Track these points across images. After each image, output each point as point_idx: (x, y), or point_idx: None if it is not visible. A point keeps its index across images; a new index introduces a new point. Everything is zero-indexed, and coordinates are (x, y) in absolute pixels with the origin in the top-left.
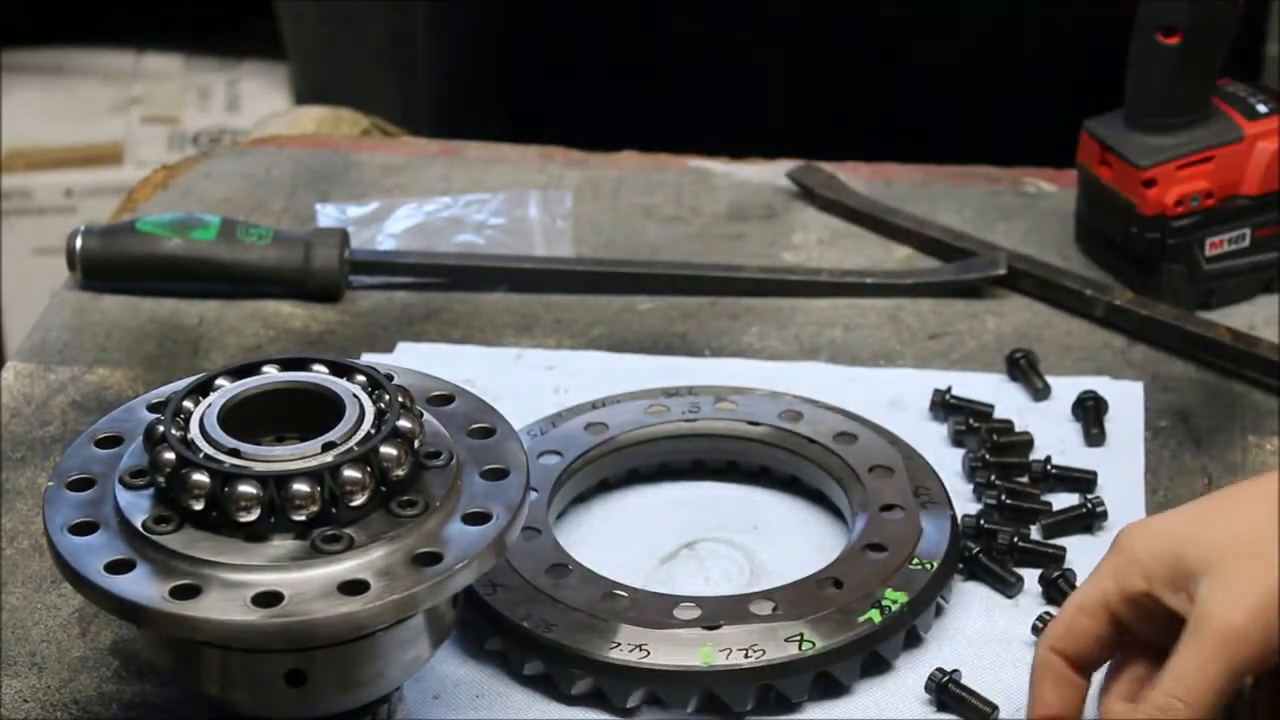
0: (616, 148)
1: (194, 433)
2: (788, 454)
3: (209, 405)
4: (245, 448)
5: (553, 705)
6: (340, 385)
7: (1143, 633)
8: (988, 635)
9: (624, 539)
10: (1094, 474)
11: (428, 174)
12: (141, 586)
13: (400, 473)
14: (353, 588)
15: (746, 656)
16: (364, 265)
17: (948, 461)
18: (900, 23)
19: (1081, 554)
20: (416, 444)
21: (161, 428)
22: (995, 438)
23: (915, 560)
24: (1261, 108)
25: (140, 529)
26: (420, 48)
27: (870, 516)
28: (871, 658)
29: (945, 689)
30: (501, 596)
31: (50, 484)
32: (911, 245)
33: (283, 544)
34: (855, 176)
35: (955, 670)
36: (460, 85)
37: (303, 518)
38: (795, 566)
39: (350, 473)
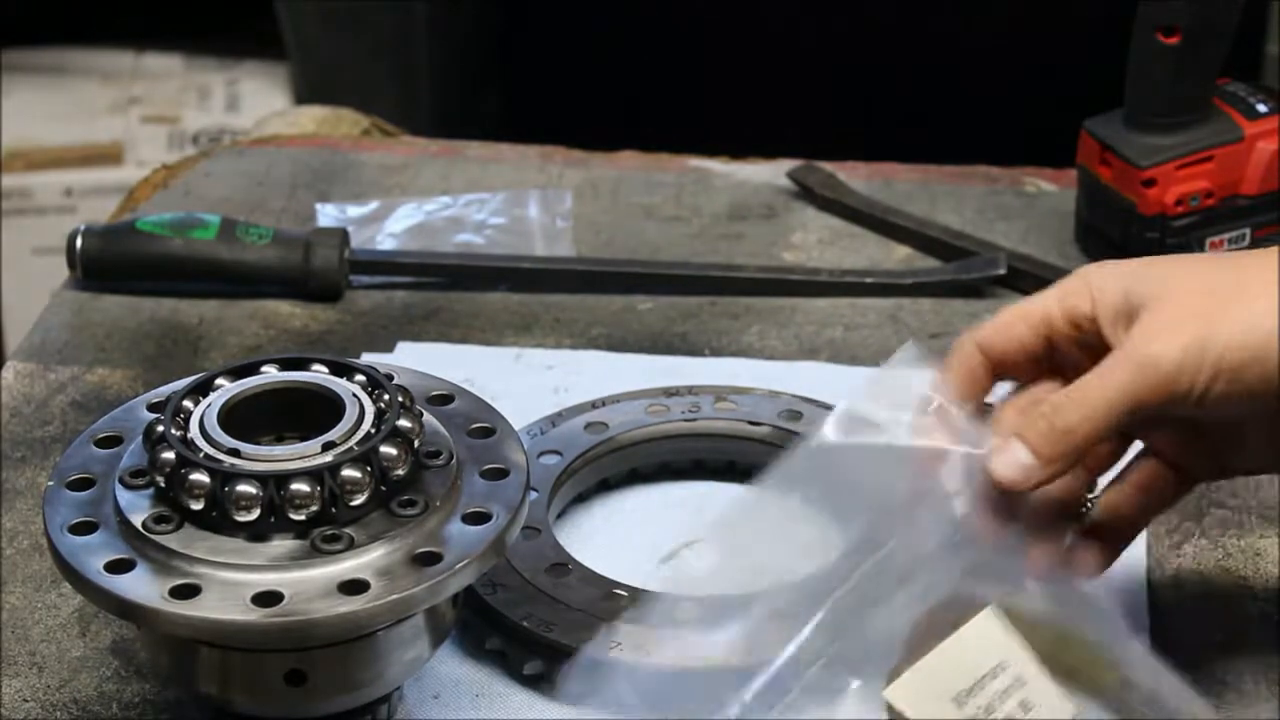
0: (616, 148)
1: (194, 432)
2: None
3: (209, 405)
4: (245, 447)
5: (553, 705)
6: (340, 385)
7: (1070, 360)
8: None
9: (624, 539)
10: None
11: (428, 174)
12: (141, 586)
13: (400, 472)
14: (353, 587)
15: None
16: (364, 265)
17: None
18: (900, 22)
19: None
20: (416, 444)
21: (161, 427)
22: None
23: None
24: (1261, 108)
25: (140, 529)
26: (420, 48)
27: None
28: None
29: None
30: (501, 596)
31: (50, 484)
32: (911, 245)
33: (282, 544)
34: (855, 176)
35: None
36: (460, 85)
37: (302, 517)
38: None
39: (350, 472)
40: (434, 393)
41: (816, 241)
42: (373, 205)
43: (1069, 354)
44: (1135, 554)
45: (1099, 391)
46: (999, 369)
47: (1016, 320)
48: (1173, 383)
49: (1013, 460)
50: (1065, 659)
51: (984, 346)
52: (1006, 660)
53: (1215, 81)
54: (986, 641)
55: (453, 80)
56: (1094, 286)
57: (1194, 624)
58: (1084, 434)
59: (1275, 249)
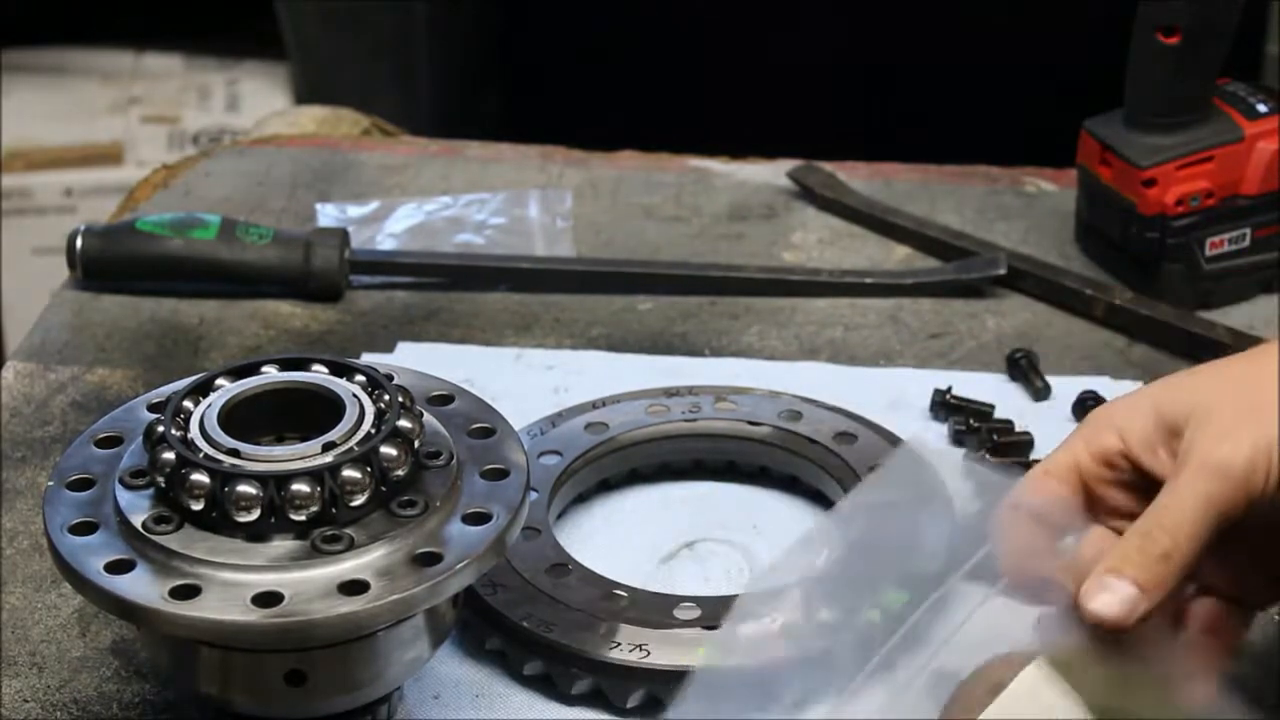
0: (616, 148)
1: (194, 433)
2: (788, 454)
3: (209, 405)
4: (245, 448)
5: (553, 705)
6: (340, 385)
7: (1113, 503)
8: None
9: (624, 539)
10: None
11: (428, 174)
12: (141, 586)
13: (400, 473)
14: (353, 588)
15: None
16: (364, 265)
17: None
18: (900, 23)
19: None
20: (416, 444)
21: (161, 428)
22: (995, 438)
23: None
24: (1261, 108)
25: (140, 529)
26: (420, 48)
27: None
28: None
29: None
30: (501, 596)
31: (50, 484)
32: (911, 245)
33: (283, 544)
34: (855, 176)
35: None
36: (460, 85)
37: (303, 518)
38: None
39: (350, 473)
40: (434, 393)
41: (816, 241)
42: (373, 205)
43: (1107, 499)
44: None
45: (1183, 507)
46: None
47: (1044, 479)
48: (1248, 483)
49: (1114, 597)
50: (1129, 704)
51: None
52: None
53: (1215, 81)
54: (1037, 700)
55: (453, 80)
56: (1118, 422)
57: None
58: (1182, 553)
59: (1273, 344)
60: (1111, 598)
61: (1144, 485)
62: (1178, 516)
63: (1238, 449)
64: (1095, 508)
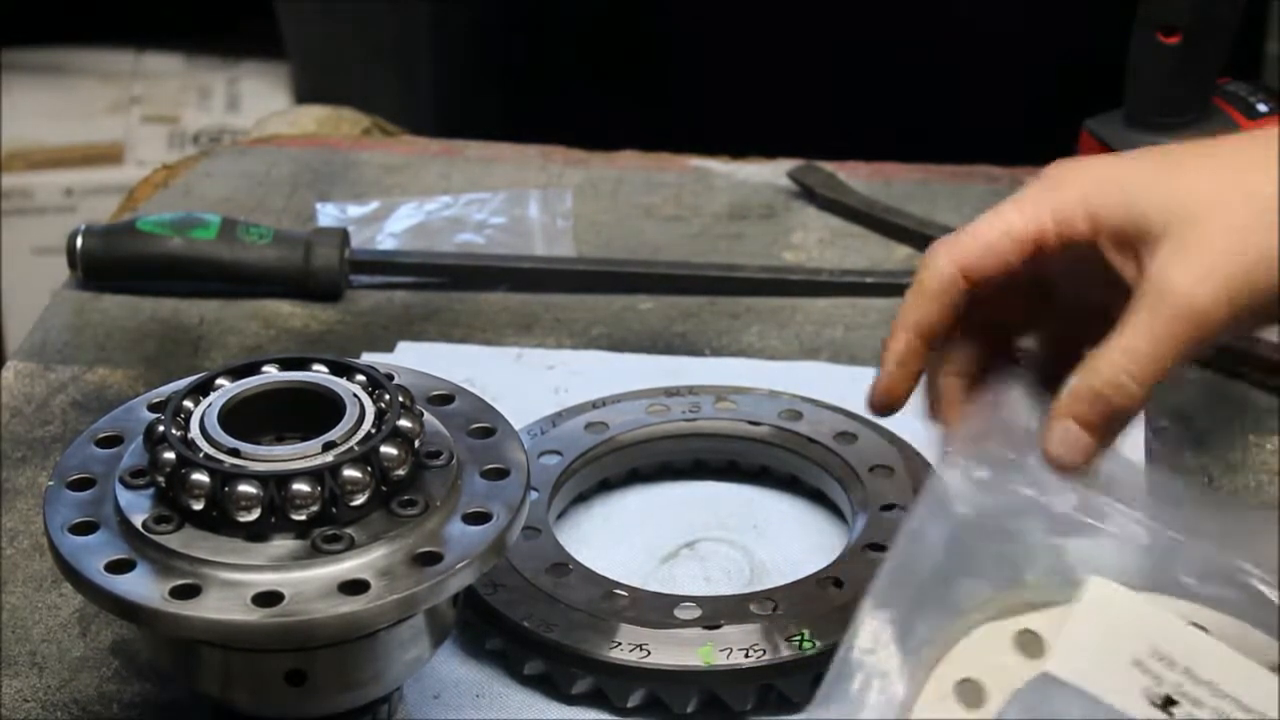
0: (616, 148)
1: (194, 432)
2: (788, 453)
3: (209, 405)
4: (245, 447)
5: (553, 705)
6: (340, 385)
7: (1063, 286)
8: None
9: (624, 539)
10: None
11: (428, 173)
12: (141, 586)
13: (400, 472)
14: (353, 587)
15: (747, 656)
16: (364, 265)
17: None
18: (900, 22)
19: None
20: (417, 444)
21: (162, 427)
22: None
23: None
24: (1261, 107)
25: (140, 529)
26: (420, 48)
27: (870, 516)
28: None
29: None
30: (502, 596)
31: (50, 483)
32: (912, 245)
33: (283, 544)
34: (855, 176)
35: None
36: (460, 85)
37: (303, 517)
38: (795, 566)
39: (350, 472)
40: (434, 393)
41: (817, 241)
42: (373, 205)
43: (1057, 277)
44: None
45: (1157, 355)
46: (975, 293)
47: (1002, 240)
48: (1217, 327)
49: (1065, 439)
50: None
51: (966, 270)
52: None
53: (1215, 81)
54: (1122, 611)
55: (453, 80)
56: (1091, 205)
57: None
58: (1139, 399)
59: (1266, 133)
60: (1063, 438)
61: (1100, 278)
62: (1149, 363)
63: (1219, 291)
64: (1034, 276)
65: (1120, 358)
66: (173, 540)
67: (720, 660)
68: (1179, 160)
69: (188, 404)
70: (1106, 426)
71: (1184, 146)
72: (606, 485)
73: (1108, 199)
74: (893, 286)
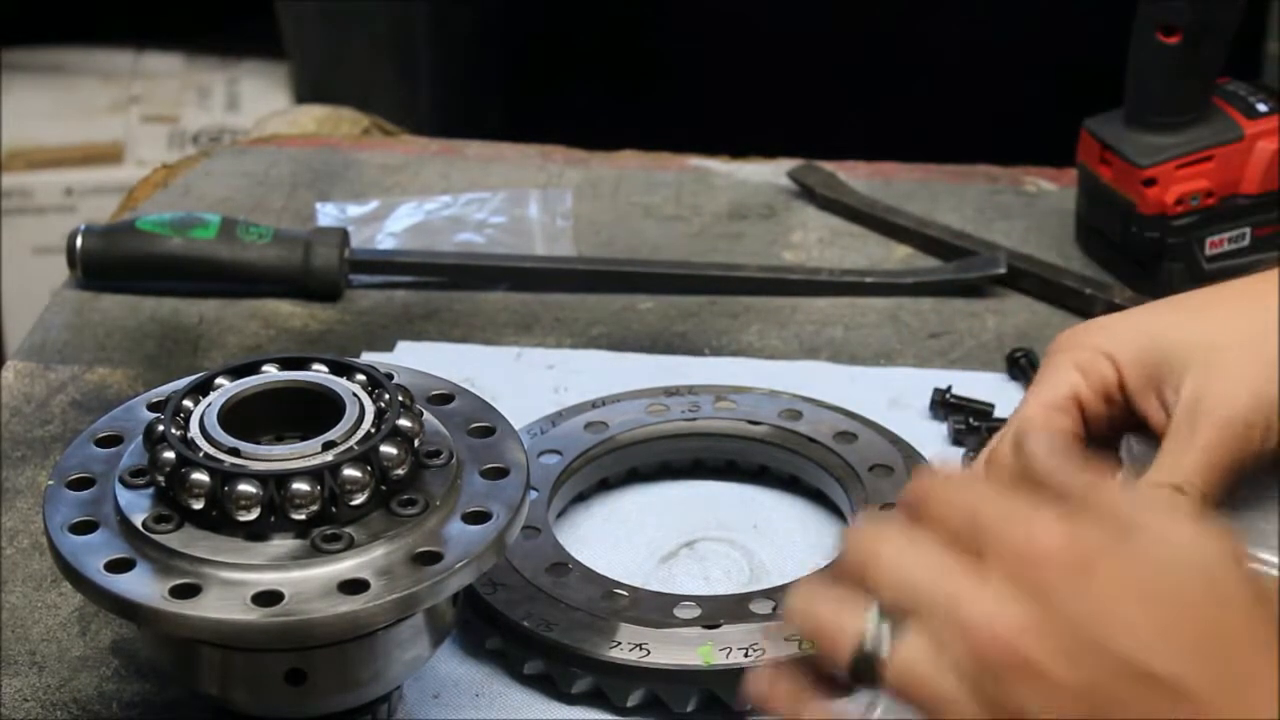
0: (616, 147)
1: (194, 432)
2: (788, 453)
3: (209, 404)
4: (245, 447)
5: (553, 704)
6: (340, 384)
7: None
8: None
9: (624, 538)
10: None
11: (428, 173)
12: (141, 585)
13: (400, 472)
14: (353, 587)
15: (747, 656)
16: (364, 264)
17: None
18: (900, 22)
19: None
20: (416, 443)
21: (161, 427)
22: None
23: None
24: (1261, 107)
25: (140, 528)
26: (420, 48)
27: (870, 516)
28: None
29: None
30: (501, 596)
31: (50, 483)
32: (911, 244)
33: (282, 543)
34: (855, 176)
35: None
36: (460, 85)
37: (303, 517)
38: (795, 566)
39: (350, 472)
40: (434, 392)
41: (816, 241)
42: (373, 205)
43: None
44: None
45: (1212, 464)
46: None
47: (1053, 414)
48: (1257, 436)
49: None
50: None
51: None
52: None
53: (1215, 81)
54: None
55: (453, 80)
56: (1112, 351)
57: None
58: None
59: (1266, 274)
60: None
61: (1122, 424)
62: (1199, 472)
63: (1255, 403)
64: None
65: (1165, 476)
66: (172, 540)
67: (720, 660)
68: (1190, 303)
69: (187, 404)
70: None
71: (1194, 293)
72: (606, 485)
73: (1122, 340)
74: (893, 286)
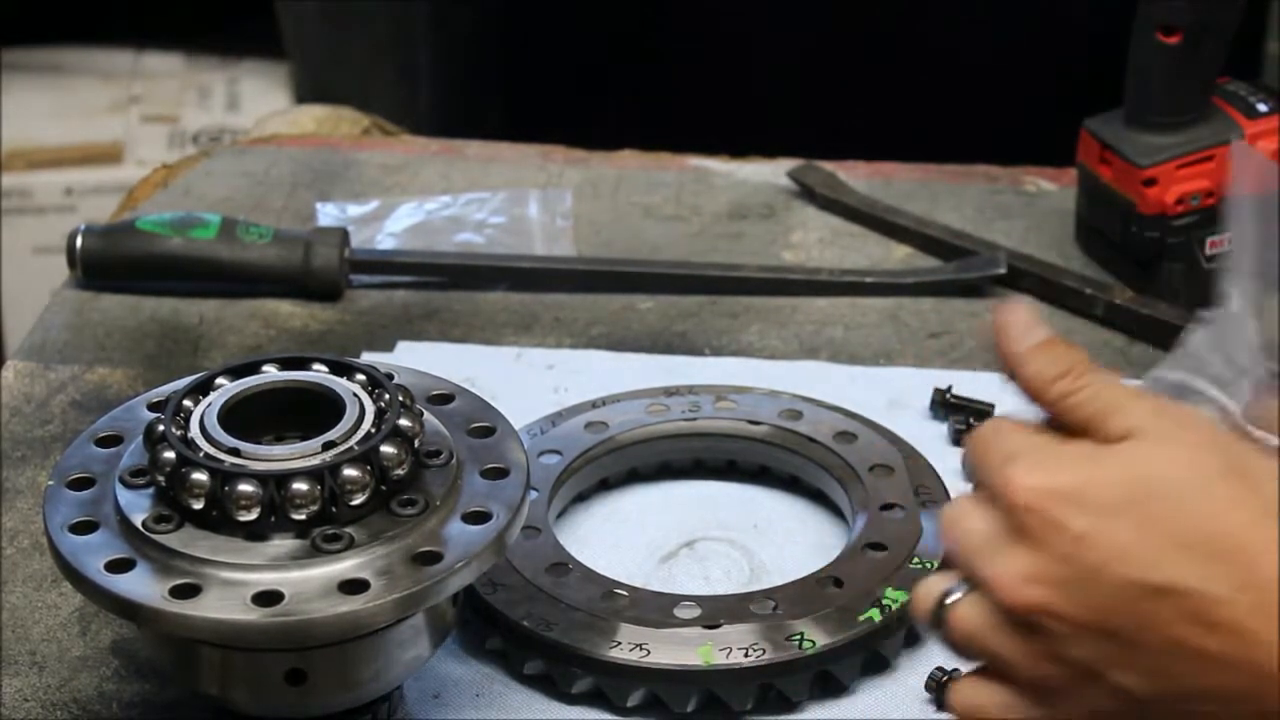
0: (616, 147)
1: (194, 432)
2: (788, 453)
3: (209, 404)
4: (245, 447)
5: (553, 704)
6: (340, 384)
7: None
8: None
9: (624, 538)
10: None
11: (428, 173)
12: (141, 585)
13: (400, 472)
14: (353, 587)
15: (746, 656)
16: (364, 264)
17: (948, 461)
18: (900, 22)
19: None
20: (416, 443)
21: (161, 427)
22: None
23: (915, 559)
24: (1261, 107)
25: (140, 528)
26: (420, 48)
27: (870, 516)
28: (872, 657)
29: (945, 688)
30: (501, 596)
31: (50, 483)
32: (911, 244)
33: (283, 543)
34: (855, 176)
35: (955, 669)
36: (460, 85)
37: (303, 517)
38: (795, 566)
39: (350, 472)
40: (434, 392)
41: (816, 241)
42: (373, 204)
43: None
44: None
45: None
46: None
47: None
48: None
49: None
50: None
51: None
52: None
53: (1215, 81)
54: None
55: (453, 80)
56: None
57: None
58: None
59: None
60: None
61: None
62: None
63: None
64: None
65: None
66: (173, 540)
67: (720, 660)
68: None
69: (187, 403)
70: None
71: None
72: (606, 485)
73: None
74: (893, 286)
